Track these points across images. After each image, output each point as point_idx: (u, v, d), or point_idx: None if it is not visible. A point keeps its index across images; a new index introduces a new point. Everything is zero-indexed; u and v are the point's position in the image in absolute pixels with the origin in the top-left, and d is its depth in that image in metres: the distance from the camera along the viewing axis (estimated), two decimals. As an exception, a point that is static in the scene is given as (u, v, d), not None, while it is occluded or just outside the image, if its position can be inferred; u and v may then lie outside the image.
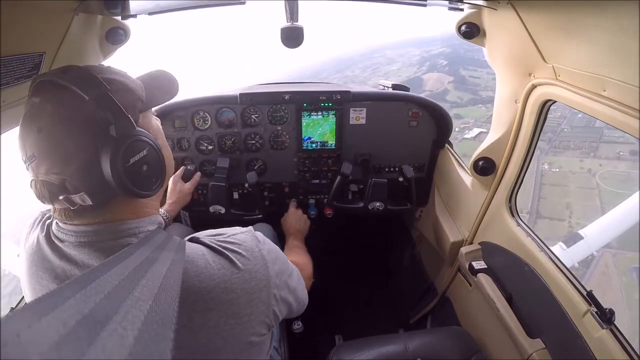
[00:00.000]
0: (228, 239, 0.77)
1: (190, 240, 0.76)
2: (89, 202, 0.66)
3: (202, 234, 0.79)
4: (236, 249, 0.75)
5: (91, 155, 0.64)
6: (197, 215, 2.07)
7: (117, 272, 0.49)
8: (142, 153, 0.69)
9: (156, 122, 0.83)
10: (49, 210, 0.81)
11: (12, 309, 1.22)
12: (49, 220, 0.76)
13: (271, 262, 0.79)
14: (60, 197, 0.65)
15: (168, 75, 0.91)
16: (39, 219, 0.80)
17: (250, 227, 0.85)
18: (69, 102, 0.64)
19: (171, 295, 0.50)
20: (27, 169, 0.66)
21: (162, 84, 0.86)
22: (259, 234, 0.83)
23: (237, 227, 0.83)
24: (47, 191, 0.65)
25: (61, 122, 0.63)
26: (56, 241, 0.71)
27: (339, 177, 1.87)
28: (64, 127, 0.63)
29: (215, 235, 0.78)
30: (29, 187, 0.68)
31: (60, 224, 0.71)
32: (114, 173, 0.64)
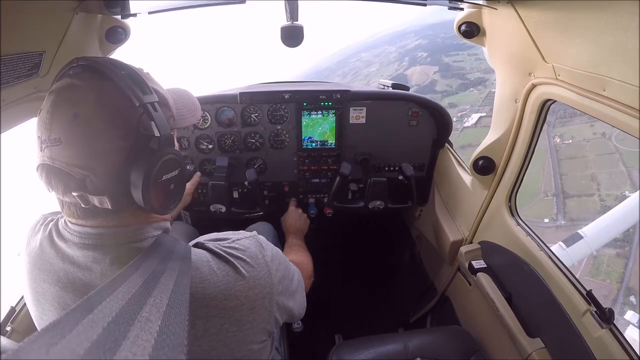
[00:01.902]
0: (232, 245, 0.76)
1: (195, 245, 0.75)
2: (107, 206, 0.63)
3: (207, 239, 0.78)
4: (240, 255, 0.74)
5: (123, 160, 0.62)
6: (198, 215, 2.07)
7: (123, 291, 0.48)
8: (174, 172, 0.68)
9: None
10: (51, 213, 0.81)
11: (12, 307, 1.22)
12: (52, 223, 0.75)
13: (274, 269, 0.79)
14: (75, 193, 0.62)
15: (192, 96, 0.89)
16: (40, 222, 0.78)
17: (254, 232, 0.84)
18: (116, 100, 0.62)
19: (180, 313, 0.48)
20: (42, 150, 0.61)
21: (188, 104, 0.85)
22: (262, 239, 0.83)
23: (242, 232, 0.82)
24: (62, 183, 0.61)
25: (102, 118, 0.60)
26: (59, 241, 0.70)
27: (338, 178, 1.87)
28: (103, 123, 0.60)
29: (219, 241, 0.77)
30: (35, 171, 0.64)
31: (68, 222, 0.70)
32: (144, 186, 0.62)
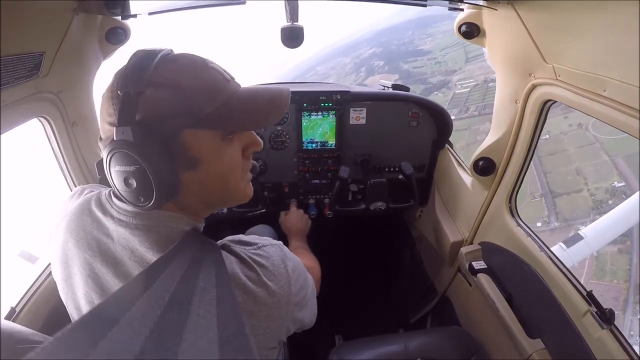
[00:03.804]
0: (258, 252, 0.76)
1: (222, 247, 0.75)
2: None
3: (232, 241, 0.78)
4: (264, 262, 0.74)
5: None
6: None
7: (171, 273, 0.50)
8: (128, 167, 0.64)
9: (219, 145, 0.70)
10: (90, 185, 0.86)
11: (12, 308, 1.22)
12: (92, 194, 0.78)
13: (294, 279, 0.79)
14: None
15: (274, 98, 0.75)
16: (79, 191, 0.83)
17: (280, 242, 0.84)
18: (113, 86, 0.66)
19: (232, 304, 0.51)
20: None
21: (254, 107, 0.73)
22: (286, 249, 0.83)
23: (267, 239, 0.82)
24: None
25: (106, 101, 0.67)
26: (97, 210, 0.73)
27: (337, 182, 1.87)
28: (105, 106, 0.67)
29: (245, 245, 0.77)
30: None
31: (112, 195, 0.74)
32: (103, 171, 0.66)
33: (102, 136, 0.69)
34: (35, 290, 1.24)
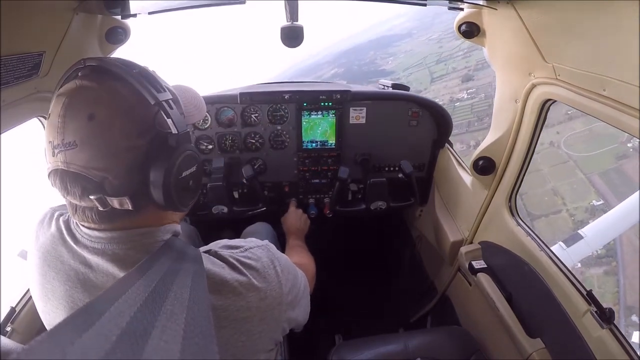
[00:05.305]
0: (245, 254, 0.76)
1: (207, 252, 0.74)
2: (128, 206, 0.62)
3: (218, 246, 0.77)
4: (253, 264, 0.74)
5: (140, 158, 0.62)
6: (200, 218, 2.07)
7: (144, 284, 0.49)
8: (192, 168, 0.68)
9: None
10: (60, 206, 0.79)
11: (12, 308, 1.22)
12: (62, 218, 0.74)
13: (284, 279, 0.79)
14: (92, 197, 0.60)
15: (196, 92, 0.88)
16: (49, 215, 0.76)
17: (266, 241, 0.84)
18: (131, 99, 0.62)
19: (203, 308, 0.50)
20: (54, 155, 0.60)
21: (193, 100, 0.83)
22: (273, 248, 0.83)
23: (253, 240, 0.82)
24: (79, 187, 0.60)
25: (118, 116, 0.60)
26: (70, 240, 0.69)
27: (337, 183, 1.87)
28: (120, 123, 0.60)
29: (231, 249, 0.77)
30: (47, 178, 0.63)
31: (79, 224, 0.69)
32: (165, 183, 0.61)
33: (124, 146, 0.61)
34: None
